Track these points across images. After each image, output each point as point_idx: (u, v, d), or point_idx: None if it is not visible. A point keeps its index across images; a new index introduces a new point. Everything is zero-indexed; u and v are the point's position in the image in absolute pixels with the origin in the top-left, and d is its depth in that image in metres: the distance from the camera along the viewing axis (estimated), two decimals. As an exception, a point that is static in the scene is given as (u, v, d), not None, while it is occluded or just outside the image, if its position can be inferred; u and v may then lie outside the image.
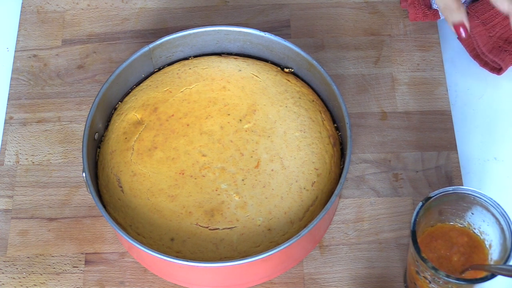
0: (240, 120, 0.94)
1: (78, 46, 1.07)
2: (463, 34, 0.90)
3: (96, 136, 0.93)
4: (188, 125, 0.93)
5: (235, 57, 0.99)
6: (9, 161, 0.99)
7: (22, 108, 1.03)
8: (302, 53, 0.94)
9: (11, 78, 1.05)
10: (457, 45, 1.07)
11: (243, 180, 0.90)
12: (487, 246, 0.83)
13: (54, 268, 0.93)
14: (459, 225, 0.84)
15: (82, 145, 0.89)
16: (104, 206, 0.89)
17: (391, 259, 0.92)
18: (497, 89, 1.04)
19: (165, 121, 0.93)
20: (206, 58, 0.99)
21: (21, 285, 0.92)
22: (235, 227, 0.88)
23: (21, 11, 1.10)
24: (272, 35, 0.96)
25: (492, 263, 0.82)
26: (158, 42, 0.96)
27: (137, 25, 1.09)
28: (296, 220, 0.88)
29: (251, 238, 0.87)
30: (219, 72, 0.97)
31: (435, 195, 0.81)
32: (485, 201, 0.81)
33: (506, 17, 1.03)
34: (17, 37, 1.08)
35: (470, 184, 0.97)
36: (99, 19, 1.09)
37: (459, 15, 0.89)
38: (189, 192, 0.90)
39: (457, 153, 0.99)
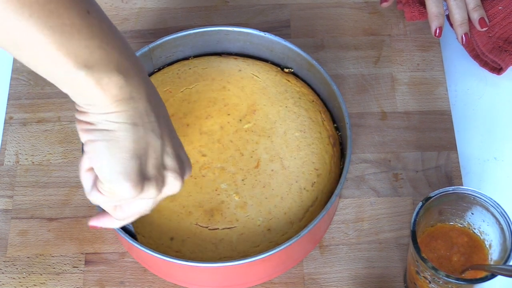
0: (240, 120, 0.93)
1: (78, 46, 1.07)
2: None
3: (96, 136, 0.93)
4: (188, 125, 0.93)
5: (235, 57, 0.99)
6: (9, 161, 0.99)
7: (22, 108, 1.03)
8: (302, 53, 0.94)
9: (11, 78, 1.05)
10: (457, 45, 1.07)
11: (243, 180, 0.90)
12: (487, 246, 0.83)
13: (54, 268, 0.92)
14: (459, 225, 0.84)
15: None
16: (104, 206, 0.89)
17: (391, 259, 0.92)
18: (497, 89, 1.04)
19: (165, 121, 0.93)
20: (206, 58, 0.99)
21: (21, 285, 0.92)
22: (235, 227, 0.88)
23: (21, 11, 1.10)
24: (272, 35, 0.96)
25: (492, 263, 0.81)
26: (158, 42, 0.96)
27: (137, 25, 1.09)
28: (296, 221, 0.88)
29: (250, 238, 0.87)
30: (219, 72, 0.97)
31: (435, 195, 0.81)
32: (485, 201, 0.81)
33: (506, 17, 1.03)
34: (17, 37, 1.08)
35: (470, 184, 0.97)
36: (99, 19, 1.09)
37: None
38: (189, 192, 0.89)
39: (457, 153, 0.99)
